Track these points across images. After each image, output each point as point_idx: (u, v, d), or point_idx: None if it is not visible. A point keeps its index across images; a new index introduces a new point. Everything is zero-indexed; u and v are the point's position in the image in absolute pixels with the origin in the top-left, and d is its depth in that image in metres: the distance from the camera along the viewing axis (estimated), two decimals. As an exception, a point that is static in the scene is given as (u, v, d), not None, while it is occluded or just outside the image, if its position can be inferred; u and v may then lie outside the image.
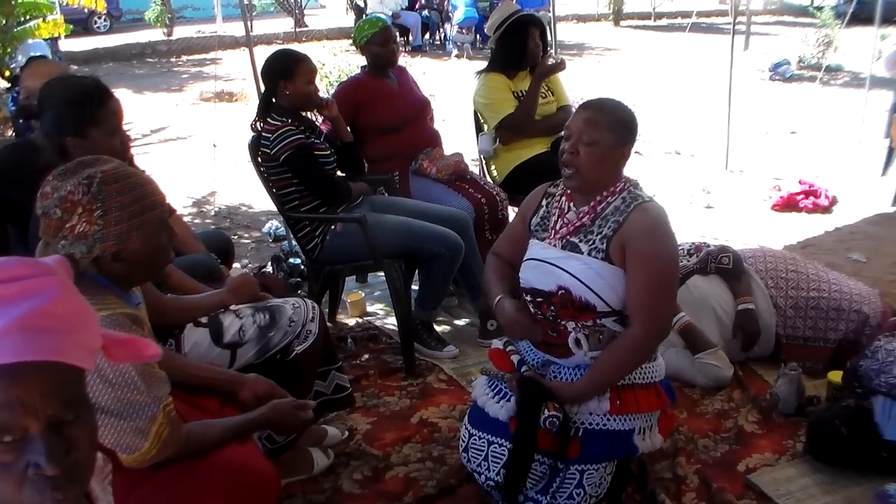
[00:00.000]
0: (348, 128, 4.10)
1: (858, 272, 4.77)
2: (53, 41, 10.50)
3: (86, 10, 20.18)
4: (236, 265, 4.61)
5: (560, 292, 2.49)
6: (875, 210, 6.27)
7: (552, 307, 2.53)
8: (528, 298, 2.63)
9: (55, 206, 1.85)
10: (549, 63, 4.54)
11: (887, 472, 2.79)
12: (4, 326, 0.97)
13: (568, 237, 2.54)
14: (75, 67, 13.98)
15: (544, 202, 2.71)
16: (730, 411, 3.41)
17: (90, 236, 1.86)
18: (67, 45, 14.09)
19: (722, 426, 3.31)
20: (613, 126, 2.49)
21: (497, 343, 2.78)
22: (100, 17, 20.57)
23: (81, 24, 18.63)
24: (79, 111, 2.53)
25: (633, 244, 2.43)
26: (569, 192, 2.62)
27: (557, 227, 2.59)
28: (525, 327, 2.60)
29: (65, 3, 9.18)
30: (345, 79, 5.69)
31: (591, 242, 2.49)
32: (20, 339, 0.97)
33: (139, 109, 10.76)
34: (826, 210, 6.29)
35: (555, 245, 2.57)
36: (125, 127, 2.72)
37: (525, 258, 2.65)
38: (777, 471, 2.99)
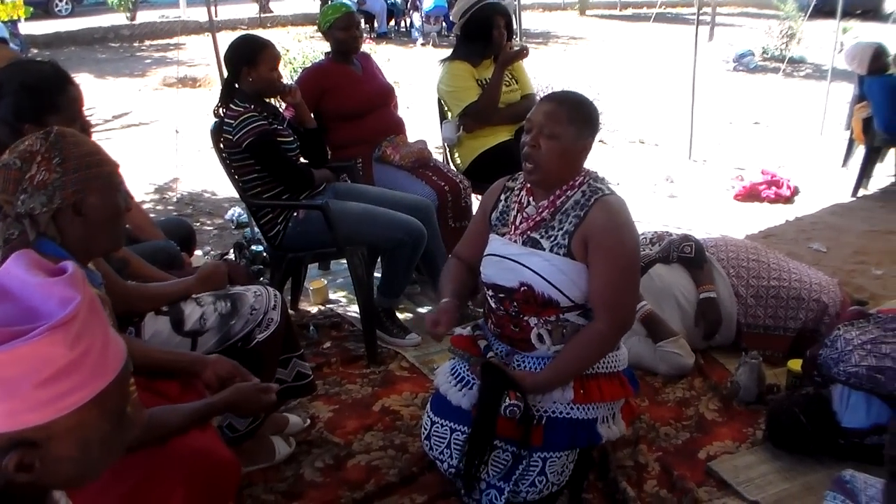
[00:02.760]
0: (312, 114, 4.07)
1: (819, 262, 4.83)
2: (13, 24, 10.32)
3: (46, -7, 20.03)
4: (198, 252, 4.57)
5: (522, 289, 2.49)
6: (835, 200, 6.36)
7: (515, 303, 2.53)
8: (491, 294, 2.62)
9: (14, 159, 1.90)
10: (513, 50, 4.53)
11: (844, 459, 2.81)
12: None
13: (528, 233, 2.53)
14: (35, 51, 13.78)
15: (503, 197, 2.69)
16: (691, 399, 3.44)
17: (50, 185, 1.90)
18: (28, 28, 13.85)
19: (683, 414, 3.34)
20: (575, 119, 2.47)
21: (460, 330, 2.77)
22: (61, 1, 20.26)
23: (42, 6, 18.36)
24: (37, 97, 2.50)
25: (596, 239, 2.43)
26: (528, 185, 2.61)
27: (517, 223, 2.58)
28: (432, 324, 2.56)
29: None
30: (309, 65, 5.65)
31: (552, 238, 2.49)
32: None
33: (101, 95, 10.60)
34: (787, 200, 6.37)
35: (515, 241, 2.55)
36: (86, 112, 2.68)
37: (486, 253, 2.64)
38: (737, 458, 3.02)
